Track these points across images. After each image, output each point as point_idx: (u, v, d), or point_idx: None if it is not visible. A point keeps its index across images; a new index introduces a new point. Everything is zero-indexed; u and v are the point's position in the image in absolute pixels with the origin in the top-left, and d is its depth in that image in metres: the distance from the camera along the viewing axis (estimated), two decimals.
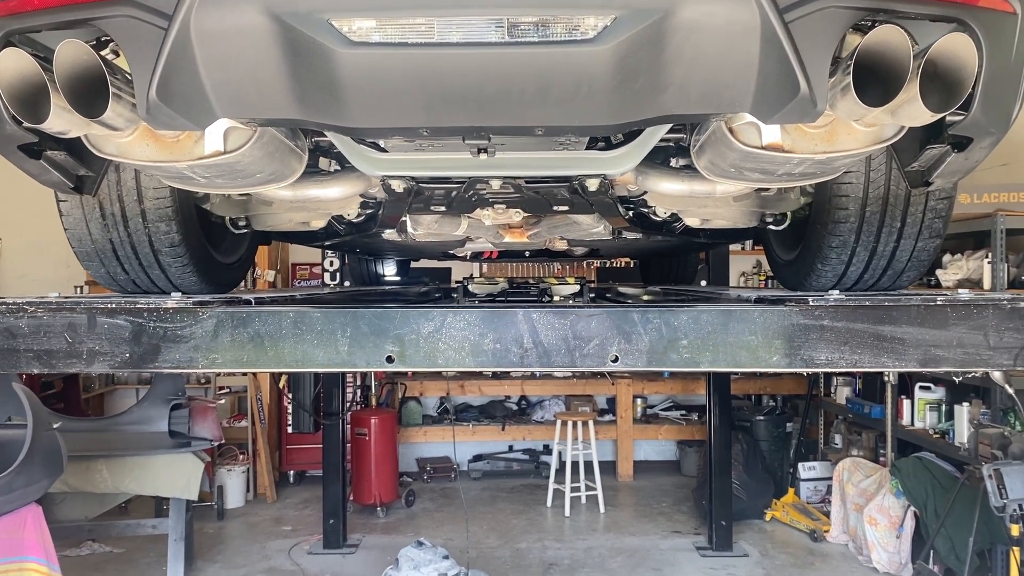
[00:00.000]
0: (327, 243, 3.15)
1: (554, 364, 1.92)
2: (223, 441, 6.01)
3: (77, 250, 2.29)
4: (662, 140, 2.14)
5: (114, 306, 1.92)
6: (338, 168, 2.22)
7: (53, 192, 2.16)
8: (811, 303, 1.84)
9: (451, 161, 1.86)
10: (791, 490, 7.85)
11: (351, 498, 7.84)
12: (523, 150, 1.84)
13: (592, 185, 1.95)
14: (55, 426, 4.49)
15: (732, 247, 6.36)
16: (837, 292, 1.95)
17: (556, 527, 7.53)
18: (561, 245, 4.13)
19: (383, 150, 1.91)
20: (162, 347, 1.93)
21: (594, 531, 7.41)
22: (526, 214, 2.47)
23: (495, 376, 9.28)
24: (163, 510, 6.67)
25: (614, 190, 2.14)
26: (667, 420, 9.34)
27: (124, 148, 1.70)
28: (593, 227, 2.74)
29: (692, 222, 2.39)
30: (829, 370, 1.88)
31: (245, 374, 8.46)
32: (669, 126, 1.78)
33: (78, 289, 8.44)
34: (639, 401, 9.35)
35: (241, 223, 2.48)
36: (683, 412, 9.46)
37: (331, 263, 6.45)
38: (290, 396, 6.59)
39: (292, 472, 8.88)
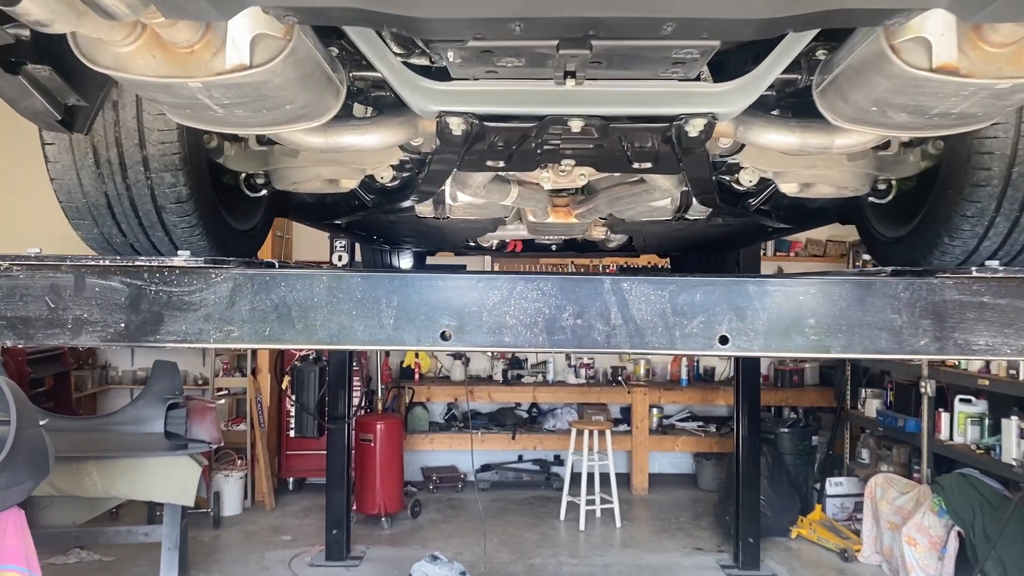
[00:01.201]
0: (348, 220, 2.78)
1: (648, 346, 1.56)
2: (222, 444, 5.64)
3: (65, 205, 1.92)
4: (770, 88, 1.80)
5: (108, 264, 1.55)
6: (377, 114, 1.87)
7: (38, 132, 1.80)
8: (974, 273, 1.48)
9: (528, 94, 1.51)
10: (818, 506, 7.47)
11: (354, 507, 7.44)
12: (616, 81, 1.49)
13: (694, 130, 1.59)
14: (41, 423, 4.12)
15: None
16: (997, 263, 1.60)
17: (571, 542, 7.14)
18: (598, 234, 3.77)
19: (439, 79, 1.55)
20: (166, 316, 1.57)
21: (611, 547, 7.03)
22: (593, 175, 2.11)
23: (506, 381, 8.90)
24: (156, 516, 6.29)
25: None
26: (684, 431, 8.96)
27: (124, 60, 1.34)
28: (660, 199, 2.37)
29: (789, 188, 2.03)
30: (989, 357, 1.52)
31: (245, 374, 8.09)
32: (805, 45, 1.43)
33: None
34: (655, 411, 8.97)
35: (259, 181, 2.12)
36: (700, 423, 9.08)
37: (339, 257, 6.08)
38: (293, 398, 6.21)
39: (292, 479, 8.48)
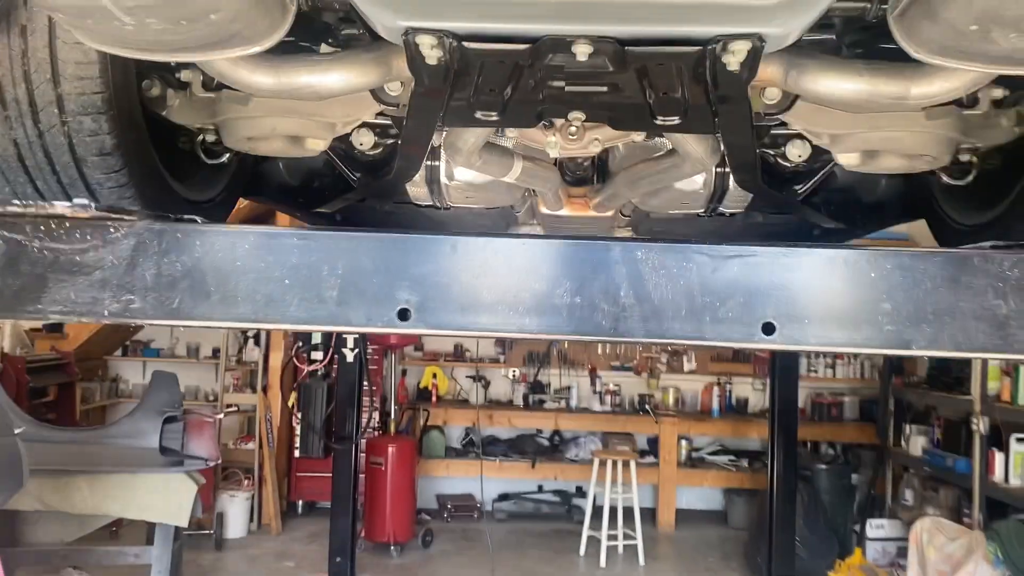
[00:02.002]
0: (335, 209, 2.44)
1: (668, 333, 1.19)
2: (219, 461, 5.33)
3: None
4: (829, 25, 1.44)
5: None
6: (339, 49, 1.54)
7: None
8: None
9: (520, 4, 1.16)
10: (857, 550, 6.93)
11: (362, 534, 7.06)
12: None
13: (733, 60, 1.23)
14: (16, 431, 3.82)
15: None
16: None
17: None
18: (621, 235, 3.39)
19: None
20: (50, 280, 1.23)
21: None
22: (609, 138, 1.75)
23: (526, 406, 8.51)
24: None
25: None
26: (714, 465, 8.48)
27: None
28: (690, 177, 2.00)
29: (848, 159, 1.65)
30: None
31: (256, 390, 7.80)
32: None
33: None
34: (684, 443, 8.50)
35: (214, 144, 1.80)
36: (732, 457, 8.59)
37: None
38: (299, 416, 5.89)
39: (301, 502, 8.14)
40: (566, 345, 8.86)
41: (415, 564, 6.84)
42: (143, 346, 8.53)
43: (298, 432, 5.95)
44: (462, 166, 1.97)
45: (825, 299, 1.16)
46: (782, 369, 5.94)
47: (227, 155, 1.91)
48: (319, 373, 6.03)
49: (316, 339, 6.02)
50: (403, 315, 1.19)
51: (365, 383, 6.11)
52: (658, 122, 1.53)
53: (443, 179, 2.18)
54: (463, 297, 1.18)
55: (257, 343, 7.92)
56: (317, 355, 6.03)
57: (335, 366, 6.16)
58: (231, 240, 1.20)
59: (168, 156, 1.82)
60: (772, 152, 1.88)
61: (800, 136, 1.83)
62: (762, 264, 1.17)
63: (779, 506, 5.80)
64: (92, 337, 7.73)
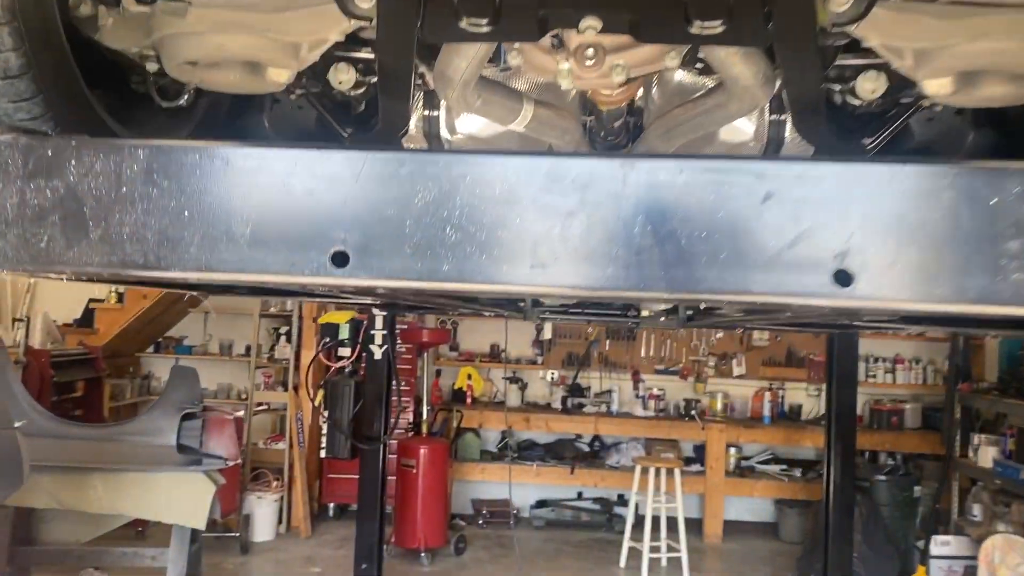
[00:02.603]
0: None
1: (701, 285, 0.86)
2: (239, 461, 5.10)
3: None
4: None
5: None
6: None
7: None
8: None
9: None
10: (921, 568, 6.44)
11: (392, 540, 6.79)
12: None
13: None
14: (16, 424, 3.61)
15: None
16: None
17: None
18: None
19: None
20: None
21: None
22: (635, 65, 1.42)
23: (565, 410, 8.15)
24: None
25: None
26: (765, 475, 8.02)
27: None
28: (738, 120, 1.65)
29: (938, 86, 1.29)
30: None
31: (287, 388, 7.60)
32: None
33: (113, 287, 7.73)
34: (733, 450, 8.06)
35: (170, 82, 1.52)
36: (783, 467, 8.12)
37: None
38: (325, 414, 5.63)
39: (332, 505, 7.90)
40: (606, 347, 8.50)
41: (447, 572, 6.54)
42: (175, 343, 8.39)
43: (324, 431, 5.68)
44: (458, 106, 1.65)
45: (923, 236, 0.82)
46: (840, 372, 5.50)
47: (186, 96, 1.62)
48: (346, 370, 5.76)
49: (344, 334, 5.76)
50: (339, 260, 0.89)
51: (404, 385, 5.83)
52: (694, 29, 1.19)
53: (443, 132, 1.86)
54: (418, 235, 0.87)
55: (289, 340, 7.72)
56: (344, 351, 5.77)
57: (363, 364, 5.91)
58: (117, 159, 0.91)
59: (119, 98, 1.55)
60: (838, 88, 1.52)
61: (875, 67, 1.47)
62: (833, 182, 0.83)
63: (836, 518, 5.38)
64: (123, 333, 7.60)
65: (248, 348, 8.17)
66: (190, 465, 4.97)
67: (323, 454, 5.69)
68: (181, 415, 4.97)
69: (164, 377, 8.40)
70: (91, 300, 7.74)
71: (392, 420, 5.82)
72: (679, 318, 5.42)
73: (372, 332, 5.75)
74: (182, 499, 4.93)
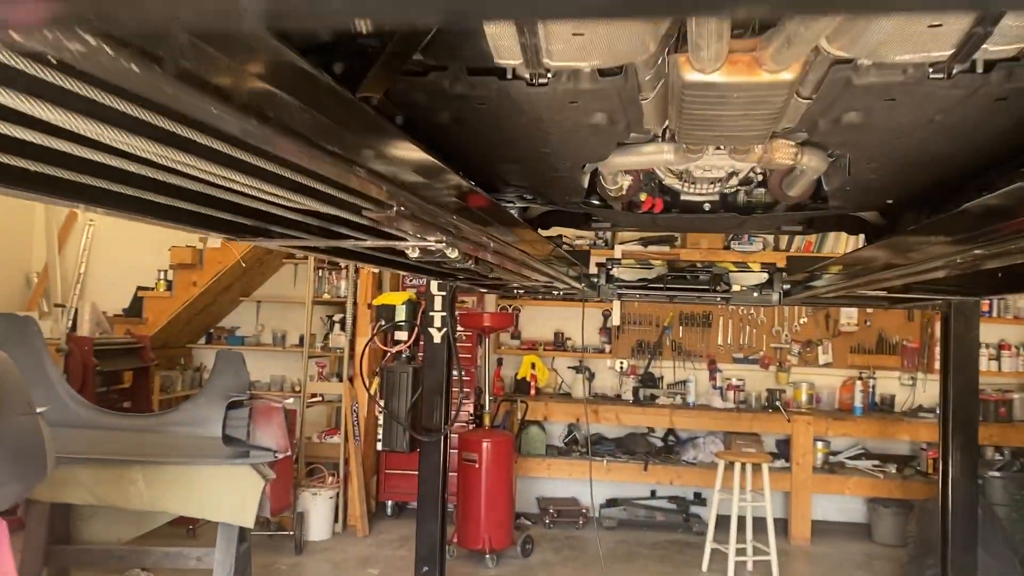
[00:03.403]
0: (375, 92, 1.65)
1: None
2: (289, 454, 4.68)
3: None
4: None
5: None
6: None
7: None
8: None
9: None
10: None
11: (454, 540, 6.33)
12: None
13: None
14: (39, 411, 3.23)
15: None
16: None
17: None
18: (784, 155, 2.49)
19: None
20: None
21: None
22: None
23: (636, 402, 7.59)
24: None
25: None
26: (856, 471, 7.34)
27: None
28: None
29: None
30: None
31: (341, 378, 7.19)
32: None
33: (161, 272, 7.44)
34: (820, 445, 7.40)
35: None
36: (876, 463, 7.43)
37: None
38: (381, 404, 5.18)
39: (391, 503, 7.47)
40: (680, 334, 7.91)
41: (513, 575, 6.04)
42: (227, 334, 8.07)
43: (380, 422, 5.23)
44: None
45: None
46: (959, 351, 4.84)
47: None
48: (404, 356, 5.31)
49: (400, 316, 5.31)
50: None
51: (464, 375, 5.36)
52: None
53: (541, 41, 1.36)
54: None
55: (343, 328, 7.31)
56: (401, 335, 5.32)
57: (421, 349, 5.44)
58: None
59: None
60: None
61: None
62: None
63: (958, 522, 4.72)
64: (172, 322, 7.29)
65: (303, 338, 7.80)
66: (237, 458, 4.58)
67: (380, 447, 5.24)
68: (227, 404, 4.60)
69: None
70: (139, 288, 7.46)
71: (453, 410, 5.34)
72: (775, 292, 4.83)
73: (431, 313, 5.28)
74: (229, 495, 4.54)
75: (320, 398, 7.34)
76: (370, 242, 2.06)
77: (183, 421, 4.69)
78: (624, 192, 3.33)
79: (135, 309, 7.38)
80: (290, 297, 7.81)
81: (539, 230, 4.66)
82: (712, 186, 3.33)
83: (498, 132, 2.29)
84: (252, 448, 4.60)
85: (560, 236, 5.40)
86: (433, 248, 2.78)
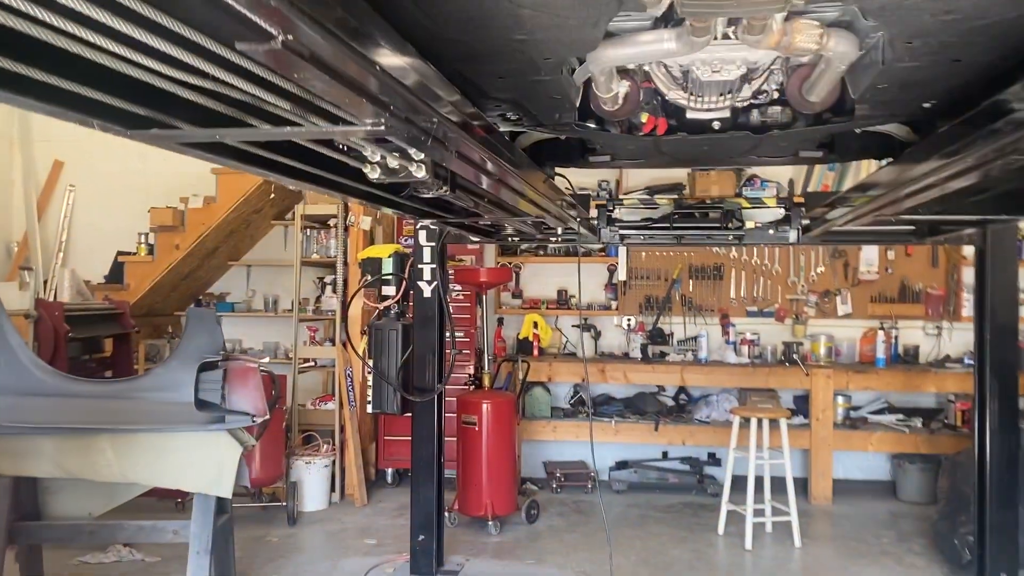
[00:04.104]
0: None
1: None
2: (267, 417, 4.33)
3: None
4: None
5: None
6: None
7: None
8: None
9: None
10: None
11: (455, 507, 6.00)
12: None
13: None
14: None
15: None
16: None
17: (735, 565, 5.39)
18: (808, 40, 2.09)
19: None
20: None
21: (791, 574, 5.22)
22: None
23: (645, 359, 7.21)
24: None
25: None
26: (880, 426, 6.96)
27: None
28: None
29: None
30: None
31: (334, 342, 6.84)
32: None
33: (142, 236, 7.08)
34: (840, 399, 7.02)
35: None
36: (900, 417, 7.05)
37: None
38: (370, 364, 4.82)
39: (390, 470, 7.16)
40: (690, 288, 7.51)
41: (517, 541, 5.72)
42: (217, 300, 7.72)
43: (370, 383, 4.88)
44: None
45: None
46: (996, 294, 4.43)
47: None
48: (393, 312, 4.94)
49: (387, 269, 4.94)
50: None
51: (450, 324, 4.98)
52: None
53: None
54: None
55: (335, 290, 6.95)
56: (389, 290, 4.95)
57: (411, 304, 5.08)
58: None
59: None
60: None
61: None
62: None
63: (996, 475, 4.35)
64: (156, 288, 6.94)
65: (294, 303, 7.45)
66: (211, 423, 4.23)
67: (370, 409, 4.89)
68: (198, 366, 4.24)
69: None
70: (120, 253, 7.10)
71: (447, 368, 4.98)
72: (793, 229, 4.41)
73: (420, 266, 4.91)
74: (204, 463, 4.20)
75: (313, 363, 7.00)
76: (293, 128, 1.66)
77: (154, 386, 4.33)
78: (621, 104, 2.92)
79: (116, 275, 7.03)
80: (281, 260, 7.44)
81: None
82: (722, 98, 2.91)
83: (463, 11, 1.88)
84: (228, 412, 4.25)
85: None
86: (395, 163, 2.38)
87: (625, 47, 2.25)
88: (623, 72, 2.76)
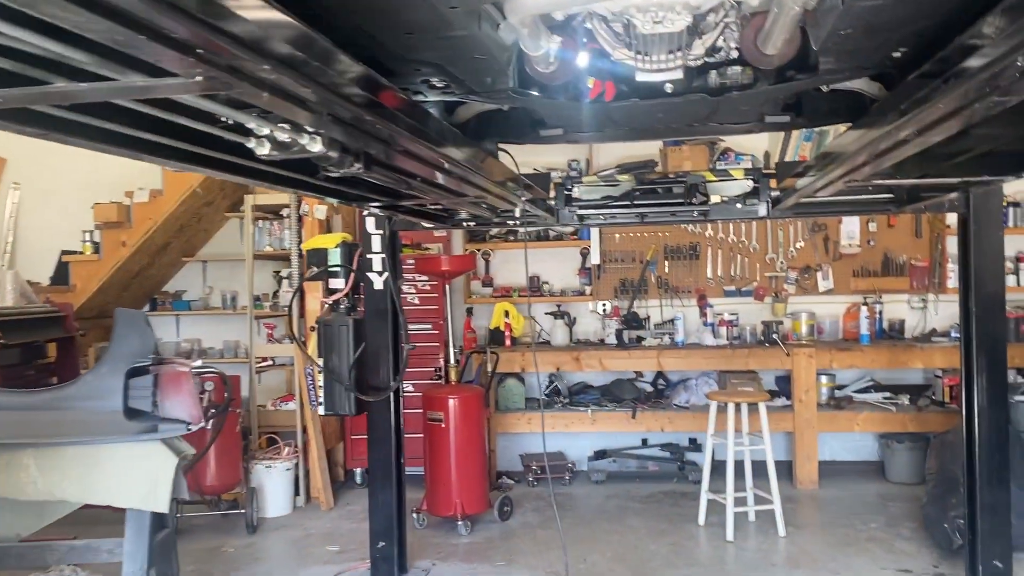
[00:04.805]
0: None
1: None
2: (204, 425, 4.03)
3: None
4: None
5: None
6: None
7: None
8: None
9: None
10: None
11: (423, 507, 5.72)
12: None
13: None
14: None
15: None
16: None
17: (716, 558, 5.12)
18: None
19: None
20: None
21: (774, 566, 4.96)
22: None
23: (621, 345, 6.92)
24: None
25: None
26: (866, 405, 6.70)
27: None
28: None
29: None
30: None
31: (293, 339, 6.51)
32: None
33: (87, 234, 6.73)
34: (824, 379, 6.76)
35: None
36: (887, 395, 6.80)
37: None
38: (319, 363, 4.52)
39: (359, 470, 6.86)
40: (665, 269, 7.22)
41: (489, 542, 5.44)
42: (172, 298, 7.39)
43: (321, 384, 4.57)
44: None
45: None
46: (981, 264, 4.14)
47: None
48: (342, 307, 4.62)
49: (334, 261, 4.62)
50: None
51: (401, 316, 4.67)
52: None
53: None
54: None
55: (291, 285, 6.62)
56: (337, 283, 4.63)
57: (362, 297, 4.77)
58: None
59: None
60: None
61: None
62: None
63: (984, 455, 4.09)
64: (105, 288, 6.60)
65: (256, 299, 7.12)
66: (143, 433, 3.92)
67: (321, 411, 4.59)
68: (126, 371, 3.92)
69: (164, 338, 7.44)
70: (64, 253, 6.75)
71: (402, 363, 4.68)
72: (762, 202, 4.11)
73: (368, 256, 4.60)
74: (136, 476, 3.87)
75: (271, 362, 6.68)
76: (94, 85, 1.35)
77: (82, 394, 4.00)
78: (556, 65, 2.60)
79: (62, 276, 6.68)
80: (238, 254, 7.10)
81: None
82: (671, 56, 2.59)
83: None
84: (160, 421, 3.93)
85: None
86: (285, 137, 2.08)
87: None
88: (557, 28, 2.46)
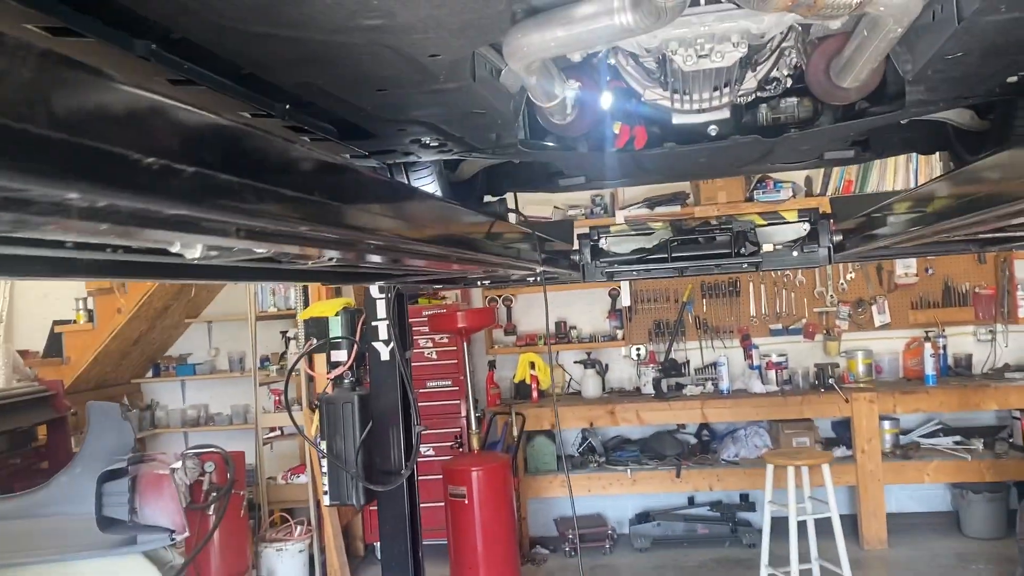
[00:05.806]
0: None
1: None
2: (187, 534, 3.52)
3: None
4: None
5: None
6: None
7: None
8: None
9: None
10: None
11: None
12: None
13: None
14: None
15: None
16: None
17: None
18: None
19: None
20: None
21: None
22: None
23: (659, 395, 6.33)
24: None
25: None
26: (935, 452, 6.04)
27: None
28: None
29: None
30: None
31: (302, 405, 6.01)
32: None
33: (80, 301, 6.31)
34: (887, 424, 6.12)
35: None
36: (957, 439, 6.13)
37: None
38: (322, 448, 4.00)
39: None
40: (703, 308, 6.64)
41: None
42: (176, 362, 6.94)
43: (324, 470, 4.04)
44: None
45: None
46: None
47: None
48: (346, 381, 4.10)
49: (335, 331, 4.11)
50: None
51: (410, 391, 4.14)
52: None
53: None
54: None
55: (298, 347, 6.13)
56: (339, 356, 4.12)
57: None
58: None
59: None
60: None
61: None
62: None
63: None
64: (101, 358, 6.16)
65: (264, 360, 6.65)
66: (120, 546, 3.42)
67: (327, 501, 4.06)
68: (99, 476, 3.43)
69: (170, 405, 7.00)
70: (56, 323, 6.33)
71: (415, 446, 4.14)
72: (822, 247, 3.55)
73: (374, 324, 4.08)
74: None
75: (279, 431, 6.19)
76: None
77: (54, 500, 3.54)
78: (574, 114, 2.08)
79: (54, 347, 6.26)
80: (244, 314, 6.64)
81: (488, 197, 3.41)
82: (716, 93, 2.06)
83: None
84: (140, 530, 3.44)
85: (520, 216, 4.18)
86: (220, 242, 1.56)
87: (553, 27, 1.41)
88: (574, 69, 1.94)
